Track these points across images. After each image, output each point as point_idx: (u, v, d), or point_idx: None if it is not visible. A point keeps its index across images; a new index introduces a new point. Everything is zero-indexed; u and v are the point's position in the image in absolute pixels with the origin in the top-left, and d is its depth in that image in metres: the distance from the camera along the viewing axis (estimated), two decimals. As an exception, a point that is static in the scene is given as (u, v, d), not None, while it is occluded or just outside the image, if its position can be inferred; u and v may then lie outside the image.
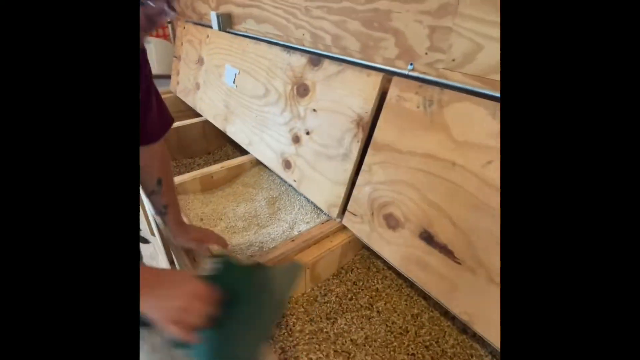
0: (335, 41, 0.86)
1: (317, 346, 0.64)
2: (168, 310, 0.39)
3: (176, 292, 0.40)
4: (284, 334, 0.66)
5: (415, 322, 0.70)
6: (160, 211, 0.73)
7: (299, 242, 0.75)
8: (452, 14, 0.59)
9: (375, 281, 0.79)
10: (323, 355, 0.63)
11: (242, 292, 0.43)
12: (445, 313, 0.72)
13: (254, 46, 1.09)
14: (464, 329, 0.70)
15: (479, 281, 0.54)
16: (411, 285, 0.77)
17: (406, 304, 0.74)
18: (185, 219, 0.77)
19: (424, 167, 0.63)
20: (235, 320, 0.42)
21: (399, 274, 0.80)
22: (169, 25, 1.96)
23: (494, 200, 0.53)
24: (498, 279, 0.52)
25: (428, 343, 0.66)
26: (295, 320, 0.69)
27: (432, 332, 0.69)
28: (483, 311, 0.54)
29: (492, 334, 0.53)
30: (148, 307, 0.38)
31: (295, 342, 0.64)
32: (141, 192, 0.78)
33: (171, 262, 1.10)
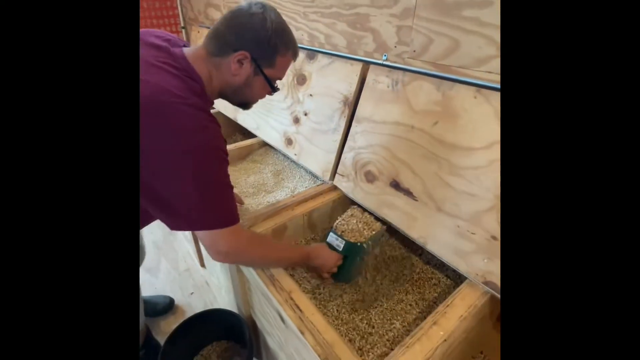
0: (327, 39, 1.06)
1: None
2: (321, 268, 0.78)
3: (324, 260, 0.77)
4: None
5: (390, 257, 0.90)
6: None
7: (298, 197, 0.95)
8: (412, 16, 0.79)
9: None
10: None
11: (350, 256, 0.79)
12: (413, 250, 0.91)
13: (261, 45, 1.29)
14: (428, 261, 0.88)
15: (430, 211, 0.74)
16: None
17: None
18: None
19: (392, 132, 0.82)
20: (349, 264, 0.79)
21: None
22: (183, 30, 2.18)
23: (439, 150, 0.72)
24: (444, 207, 0.72)
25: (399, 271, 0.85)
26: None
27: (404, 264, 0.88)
28: (433, 234, 0.73)
29: (441, 250, 0.72)
30: (312, 267, 0.79)
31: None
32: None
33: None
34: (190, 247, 1.56)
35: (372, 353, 0.64)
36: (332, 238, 0.80)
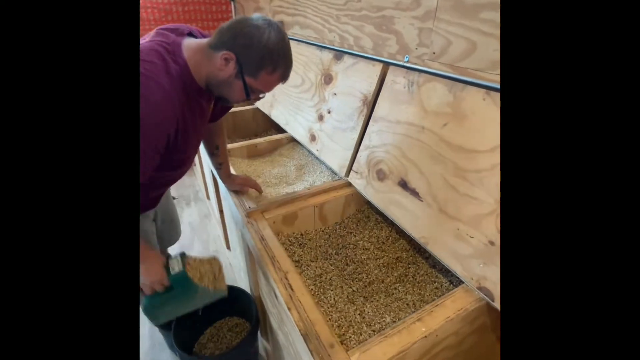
0: (356, 41, 1.10)
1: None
2: (143, 279, 0.72)
3: (151, 273, 0.72)
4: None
5: (396, 257, 0.90)
6: (217, 167, 1.04)
7: (313, 190, 1.00)
8: (432, 18, 0.80)
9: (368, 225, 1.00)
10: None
11: (177, 288, 0.75)
12: (419, 251, 0.91)
13: (296, 47, 1.37)
14: (434, 265, 0.88)
15: (433, 212, 0.74)
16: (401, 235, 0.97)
17: (392, 243, 0.94)
18: (233, 172, 1.06)
19: (405, 132, 0.83)
20: (168, 297, 0.75)
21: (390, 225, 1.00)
22: (235, 32, 2.36)
23: (446, 152, 0.72)
24: (446, 209, 0.71)
25: (404, 270, 0.86)
26: (313, 236, 0.93)
27: (409, 266, 0.88)
28: (435, 235, 0.73)
29: (441, 252, 0.72)
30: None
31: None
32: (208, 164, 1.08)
33: (221, 210, 1.41)
34: (220, 232, 1.69)
35: (354, 339, 0.66)
36: (172, 262, 0.76)
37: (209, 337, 1.16)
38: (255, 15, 0.67)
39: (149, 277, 0.71)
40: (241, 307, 1.14)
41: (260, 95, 0.73)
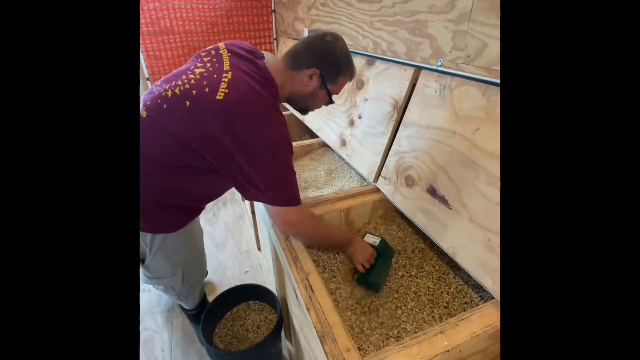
0: (389, 47, 1.09)
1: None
2: (356, 255, 0.82)
3: (363, 251, 0.82)
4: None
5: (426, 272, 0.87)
6: None
7: (340, 194, 1.00)
8: (467, 20, 0.77)
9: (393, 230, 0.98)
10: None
11: (384, 254, 0.84)
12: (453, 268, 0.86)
13: (331, 53, 1.39)
14: (467, 280, 0.83)
15: (462, 221, 0.70)
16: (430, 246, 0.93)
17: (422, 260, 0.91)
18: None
19: (435, 137, 0.81)
20: (380, 264, 0.82)
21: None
22: (275, 41, 2.45)
23: (478, 157, 0.69)
24: (476, 218, 0.68)
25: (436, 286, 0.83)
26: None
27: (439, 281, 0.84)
28: (464, 245, 0.70)
29: (470, 264, 0.68)
30: (350, 254, 0.85)
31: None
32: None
33: (253, 212, 1.46)
34: (252, 233, 1.74)
35: (372, 346, 0.64)
36: (368, 237, 0.87)
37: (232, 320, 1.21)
38: (320, 33, 0.79)
39: (364, 254, 0.81)
40: (268, 304, 1.16)
41: (333, 99, 0.85)
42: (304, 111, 0.91)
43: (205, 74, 0.72)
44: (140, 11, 2.00)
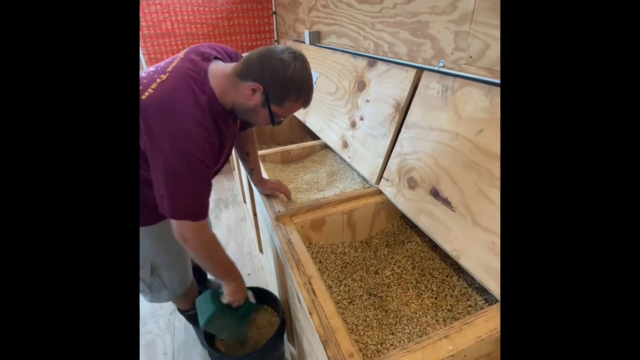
0: (390, 48, 1.09)
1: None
2: (232, 296, 0.87)
3: (237, 288, 0.88)
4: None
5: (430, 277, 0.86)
6: (249, 172, 1.08)
7: (342, 196, 0.99)
8: (469, 21, 0.77)
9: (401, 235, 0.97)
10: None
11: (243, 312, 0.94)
12: (458, 271, 0.86)
13: (332, 55, 1.39)
14: (471, 283, 0.82)
15: (466, 223, 0.70)
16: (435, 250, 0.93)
17: (427, 261, 0.90)
18: (265, 176, 1.09)
19: (437, 139, 0.80)
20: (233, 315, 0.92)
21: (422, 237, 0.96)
22: (276, 43, 2.45)
23: (481, 159, 0.68)
24: (480, 221, 0.67)
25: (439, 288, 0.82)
26: (343, 249, 0.92)
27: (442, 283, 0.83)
28: (468, 248, 0.69)
29: (474, 267, 0.67)
30: (229, 288, 0.88)
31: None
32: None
33: (254, 214, 1.45)
34: (254, 235, 1.74)
35: (374, 350, 0.64)
36: (249, 292, 0.96)
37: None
38: (280, 47, 0.69)
39: (238, 295, 0.88)
40: (270, 307, 1.16)
41: (282, 119, 0.76)
42: (247, 125, 0.84)
43: (151, 74, 0.72)
44: (142, 14, 2.01)
